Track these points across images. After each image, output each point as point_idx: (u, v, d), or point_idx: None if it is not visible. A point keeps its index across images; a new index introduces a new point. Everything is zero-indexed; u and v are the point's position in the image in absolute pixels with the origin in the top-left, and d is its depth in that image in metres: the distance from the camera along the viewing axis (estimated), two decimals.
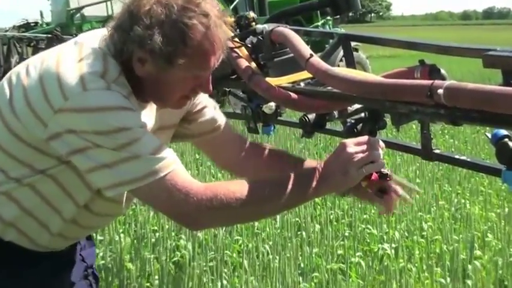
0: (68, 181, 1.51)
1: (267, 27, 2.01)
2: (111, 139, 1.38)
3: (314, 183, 1.48)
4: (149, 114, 1.60)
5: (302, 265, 3.73)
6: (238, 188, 1.46)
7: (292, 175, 1.50)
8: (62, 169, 1.49)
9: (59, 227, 1.58)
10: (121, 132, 1.38)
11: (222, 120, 1.89)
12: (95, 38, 1.51)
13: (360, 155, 1.47)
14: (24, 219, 1.56)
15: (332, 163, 1.49)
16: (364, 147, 1.49)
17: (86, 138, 1.38)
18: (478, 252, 3.83)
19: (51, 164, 1.48)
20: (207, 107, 1.85)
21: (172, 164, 1.44)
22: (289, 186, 1.47)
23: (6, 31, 10.98)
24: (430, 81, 1.37)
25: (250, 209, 1.47)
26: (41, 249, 1.62)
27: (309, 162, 1.84)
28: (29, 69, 1.47)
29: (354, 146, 1.49)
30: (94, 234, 1.99)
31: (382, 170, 1.52)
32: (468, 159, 1.67)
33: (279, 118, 2.24)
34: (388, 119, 1.75)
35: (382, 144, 1.54)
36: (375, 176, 1.51)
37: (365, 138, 1.52)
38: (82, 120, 1.37)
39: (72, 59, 1.44)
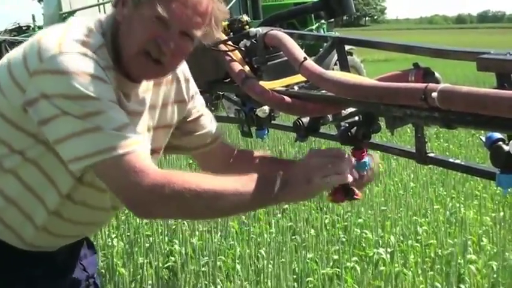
0: (50, 166, 1.49)
1: (261, 30, 1.99)
2: (78, 106, 1.36)
3: (275, 188, 1.43)
4: (139, 101, 1.59)
5: (297, 270, 3.71)
6: (195, 179, 1.41)
7: (254, 176, 1.45)
8: (42, 152, 1.47)
9: (43, 219, 1.55)
10: (89, 100, 1.36)
11: (217, 133, 1.88)
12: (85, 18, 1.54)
13: (326, 165, 1.44)
14: (8, 210, 1.53)
15: (297, 170, 1.46)
16: (332, 158, 1.46)
17: (56, 104, 1.36)
18: (473, 257, 3.83)
19: (28, 143, 1.47)
20: (204, 115, 1.84)
21: (134, 145, 1.39)
22: (248, 187, 1.42)
23: None
24: (424, 85, 1.36)
25: (202, 202, 1.40)
26: (28, 247, 1.59)
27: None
28: (17, 48, 1.50)
29: (322, 155, 1.47)
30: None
31: (348, 184, 1.50)
32: (462, 163, 1.65)
33: (272, 122, 2.23)
34: (382, 122, 1.74)
35: (352, 160, 1.54)
36: (340, 197, 1.53)
37: (334, 149, 1.50)
38: (54, 83, 1.37)
39: (57, 30, 1.46)
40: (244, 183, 1.43)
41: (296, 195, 1.49)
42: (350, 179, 1.47)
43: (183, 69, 1.78)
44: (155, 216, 1.47)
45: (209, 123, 1.85)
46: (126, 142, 1.38)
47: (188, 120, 1.80)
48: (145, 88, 1.62)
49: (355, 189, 1.53)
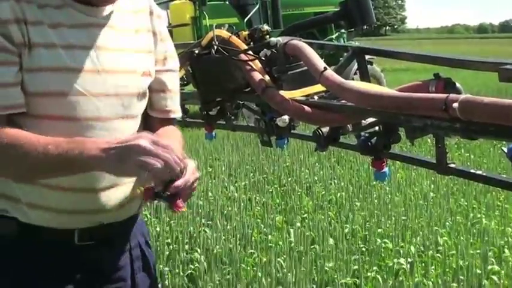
0: None
1: (281, 40, 2.00)
2: None
3: (85, 152, 1.35)
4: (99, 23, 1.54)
5: (316, 279, 3.70)
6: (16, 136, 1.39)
7: (72, 140, 1.39)
8: None
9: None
10: None
11: (168, 112, 1.74)
12: None
13: (151, 153, 1.33)
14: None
15: (118, 144, 1.35)
16: (161, 149, 1.34)
17: None
18: (495, 267, 3.78)
19: None
20: (167, 76, 1.73)
21: None
22: (56, 149, 1.37)
23: None
24: (445, 95, 1.36)
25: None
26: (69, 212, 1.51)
27: None
28: None
29: (152, 142, 1.35)
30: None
31: (168, 187, 1.38)
32: (484, 174, 1.64)
33: (292, 131, 2.23)
34: (402, 132, 1.73)
35: (187, 163, 1.42)
36: (150, 195, 1.40)
37: (167, 143, 1.39)
38: None
39: None
40: (57, 144, 1.37)
41: (101, 168, 1.39)
42: (163, 176, 1.36)
43: (154, 5, 1.73)
44: None
45: (171, 75, 1.75)
46: None
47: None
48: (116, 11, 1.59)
49: (180, 200, 1.40)
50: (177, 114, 1.78)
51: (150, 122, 1.72)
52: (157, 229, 4.59)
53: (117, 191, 1.56)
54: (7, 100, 1.41)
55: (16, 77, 1.42)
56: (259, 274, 3.71)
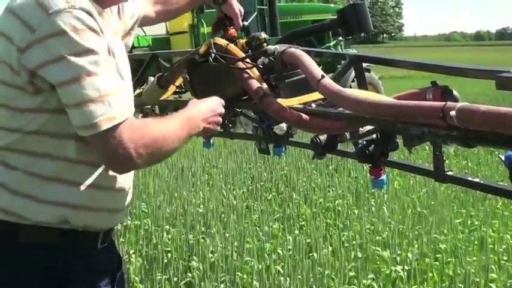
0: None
1: (279, 48, 2.00)
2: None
3: (195, 128, 1.66)
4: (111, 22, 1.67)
5: (314, 287, 3.69)
6: (159, 131, 1.54)
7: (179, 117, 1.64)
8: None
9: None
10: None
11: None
12: None
13: (215, 114, 1.74)
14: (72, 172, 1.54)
15: (200, 111, 1.69)
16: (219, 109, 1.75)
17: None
18: (493, 275, 3.78)
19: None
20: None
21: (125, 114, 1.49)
22: (183, 128, 1.61)
23: None
24: (442, 103, 1.36)
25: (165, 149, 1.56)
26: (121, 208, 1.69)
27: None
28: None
29: (216, 103, 1.76)
30: None
31: None
32: (481, 182, 1.64)
33: (290, 139, 2.23)
34: (400, 140, 1.73)
35: None
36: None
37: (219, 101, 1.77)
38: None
39: None
40: (180, 125, 1.61)
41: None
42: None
43: None
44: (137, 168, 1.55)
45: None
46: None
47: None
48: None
49: None
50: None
51: None
52: (156, 237, 4.58)
53: (132, 189, 1.74)
54: (131, 102, 1.57)
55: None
56: (256, 283, 3.70)
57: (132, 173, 1.65)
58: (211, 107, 1.73)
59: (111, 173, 1.56)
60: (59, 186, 1.52)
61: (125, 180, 1.65)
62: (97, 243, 1.62)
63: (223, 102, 1.77)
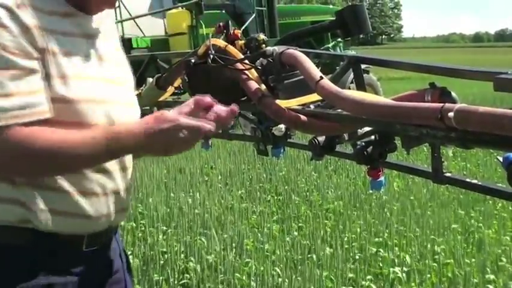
0: None
1: (277, 49, 2.01)
2: None
3: (125, 145, 1.40)
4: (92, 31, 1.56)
5: None
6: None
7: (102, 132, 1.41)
8: None
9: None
10: None
11: None
12: None
13: (190, 126, 1.38)
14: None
15: (156, 129, 1.38)
16: (192, 118, 1.40)
17: None
18: (491, 276, 3.78)
19: None
20: None
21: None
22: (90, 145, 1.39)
23: None
24: (440, 104, 1.36)
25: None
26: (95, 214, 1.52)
27: None
28: None
29: (179, 113, 1.41)
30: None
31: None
32: (480, 183, 1.64)
33: (288, 140, 2.23)
34: (398, 141, 1.73)
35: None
36: None
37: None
38: None
39: None
40: (92, 140, 1.40)
41: (149, 154, 1.50)
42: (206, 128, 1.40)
43: None
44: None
45: None
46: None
47: None
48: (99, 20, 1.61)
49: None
50: None
51: None
52: (153, 238, 4.57)
53: (127, 194, 1.60)
54: (35, 106, 1.41)
55: (41, 83, 1.43)
56: (254, 284, 3.70)
57: (106, 178, 1.52)
58: (162, 118, 1.41)
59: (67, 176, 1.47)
60: (8, 184, 1.48)
61: (90, 184, 1.50)
62: (81, 246, 1.55)
63: (184, 112, 1.44)
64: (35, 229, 1.49)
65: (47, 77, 1.44)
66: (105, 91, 1.53)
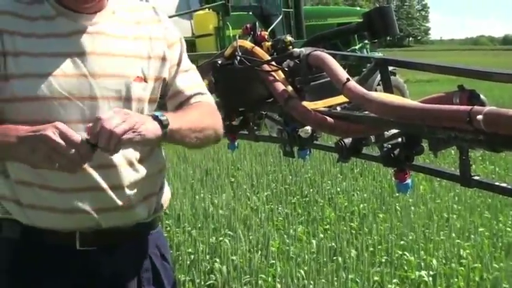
0: None
1: (304, 51, 2.01)
2: None
3: (5, 140, 1.38)
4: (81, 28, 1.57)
5: None
6: None
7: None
8: None
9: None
10: None
11: (186, 95, 1.73)
12: None
13: (57, 146, 1.31)
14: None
15: (30, 133, 1.35)
16: (67, 141, 1.32)
17: None
18: None
19: None
20: (184, 72, 1.76)
21: None
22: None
23: None
24: (469, 107, 1.35)
25: None
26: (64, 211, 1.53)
27: None
28: None
29: (60, 132, 1.32)
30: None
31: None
32: (509, 186, 1.62)
33: (315, 142, 2.23)
34: (425, 144, 1.72)
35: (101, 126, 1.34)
36: None
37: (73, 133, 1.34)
38: None
39: None
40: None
41: (19, 158, 1.42)
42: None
43: (162, 15, 1.77)
44: None
45: (184, 82, 1.75)
46: None
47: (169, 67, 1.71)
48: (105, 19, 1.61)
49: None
50: (192, 90, 1.74)
51: None
52: (179, 238, 4.60)
53: (117, 192, 1.56)
54: None
55: None
56: (279, 285, 3.70)
57: (78, 174, 1.45)
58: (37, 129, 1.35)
59: (42, 170, 1.44)
60: None
61: (64, 180, 1.48)
62: (74, 244, 1.55)
63: (60, 126, 1.34)
64: (20, 222, 1.55)
65: (5, 78, 1.48)
66: (80, 86, 1.51)
